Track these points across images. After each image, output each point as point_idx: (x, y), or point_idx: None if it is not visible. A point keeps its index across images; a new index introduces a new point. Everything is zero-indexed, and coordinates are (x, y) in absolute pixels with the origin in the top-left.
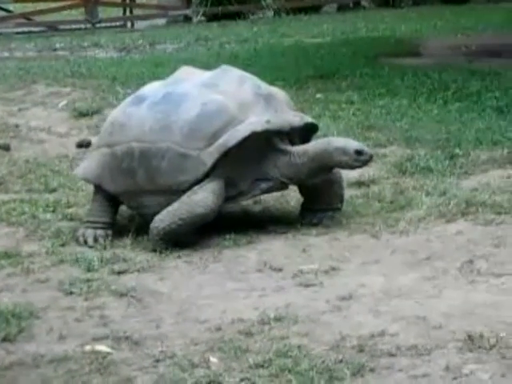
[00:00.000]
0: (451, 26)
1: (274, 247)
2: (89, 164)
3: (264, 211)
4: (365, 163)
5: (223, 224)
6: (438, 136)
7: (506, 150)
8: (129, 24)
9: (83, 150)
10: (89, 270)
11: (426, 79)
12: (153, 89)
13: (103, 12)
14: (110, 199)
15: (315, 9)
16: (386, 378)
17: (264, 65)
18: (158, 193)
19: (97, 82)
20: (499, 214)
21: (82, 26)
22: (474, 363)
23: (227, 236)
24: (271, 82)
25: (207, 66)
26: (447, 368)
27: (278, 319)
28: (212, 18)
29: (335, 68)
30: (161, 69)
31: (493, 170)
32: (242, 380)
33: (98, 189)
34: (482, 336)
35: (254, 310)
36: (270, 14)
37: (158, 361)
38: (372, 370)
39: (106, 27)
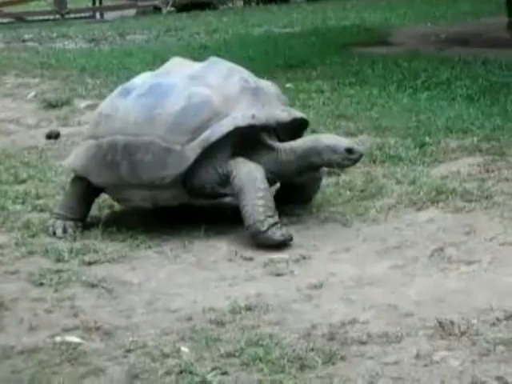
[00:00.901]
0: (421, 14)
1: (245, 237)
2: (76, 155)
3: (234, 201)
4: (355, 162)
5: (194, 214)
6: (408, 124)
7: (475, 138)
8: (98, 15)
9: (52, 141)
10: (59, 261)
11: (395, 68)
12: (141, 80)
13: (72, 3)
14: (88, 192)
15: None
16: (357, 366)
17: (234, 55)
18: (141, 187)
19: (66, 72)
20: (469, 201)
21: (51, 16)
22: (445, 350)
23: (198, 226)
24: None
25: (178, 56)
26: (418, 355)
27: (248, 308)
28: (181, 8)
29: (305, 57)
30: (130, 59)
31: (463, 157)
32: (213, 369)
33: (79, 181)
34: (452, 323)
35: (225, 299)
36: (240, 3)
37: (128, 351)
38: (343, 358)
39: (74, 18)
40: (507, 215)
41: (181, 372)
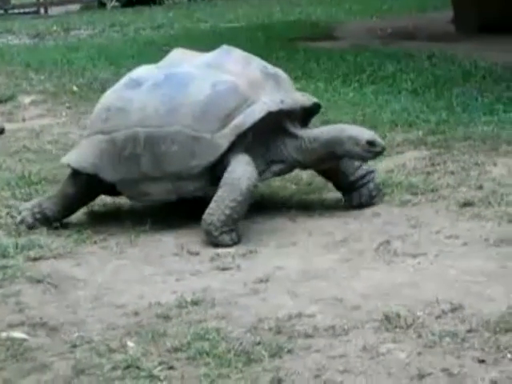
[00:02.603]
0: (366, 9)
1: (191, 231)
2: (82, 152)
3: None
4: (376, 155)
5: (139, 209)
6: (354, 118)
7: (421, 132)
8: (42, 10)
9: None
10: (4, 257)
11: (341, 62)
12: (148, 71)
13: None
14: (86, 193)
15: None
16: (304, 359)
17: None
18: (165, 179)
19: (10, 68)
20: (415, 194)
21: None
22: (391, 342)
23: (144, 221)
24: None
25: (123, 51)
26: (364, 348)
27: (195, 303)
28: (126, 3)
29: (251, 52)
30: (75, 54)
31: (408, 151)
32: (159, 364)
33: (78, 180)
34: (398, 315)
35: (171, 293)
36: None
37: (74, 346)
38: (290, 352)
39: (18, 13)
40: (453, 208)
41: (127, 367)
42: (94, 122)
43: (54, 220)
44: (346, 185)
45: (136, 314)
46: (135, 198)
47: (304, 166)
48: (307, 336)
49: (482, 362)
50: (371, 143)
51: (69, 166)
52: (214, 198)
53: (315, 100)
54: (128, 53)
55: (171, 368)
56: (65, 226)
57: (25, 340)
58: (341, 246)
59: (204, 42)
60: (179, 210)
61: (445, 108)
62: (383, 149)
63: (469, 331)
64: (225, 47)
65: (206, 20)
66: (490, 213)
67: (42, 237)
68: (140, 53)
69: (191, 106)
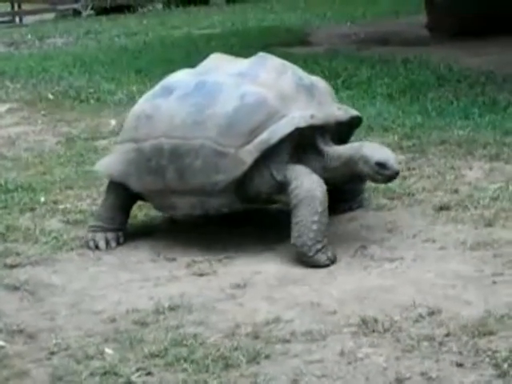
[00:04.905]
0: (340, 15)
1: (168, 237)
2: (113, 160)
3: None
4: (388, 179)
5: None
6: None
7: (396, 136)
8: (17, 19)
9: None
10: None
11: (316, 67)
12: (182, 78)
13: None
14: (126, 199)
15: (204, 1)
16: (282, 364)
17: (154, 57)
18: (189, 193)
19: None
20: (391, 199)
21: None
22: (369, 347)
23: None
24: (162, 74)
25: (98, 59)
26: (342, 352)
27: (172, 308)
28: (101, 11)
29: None
30: (50, 62)
31: None
32: (137, 370)
33: (116, 188)
34: (376, 320)
35: (148, 300)
36: (159, 6)
37: (52, 353)
38: (267, 357)
39: None
40: (429, 212)
41: (105, 373)
42: (125, 129)
43: (119, 229)
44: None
45: (113, 320)
46: (161, 209)
47: (332, 185)
48: (285, 341)
49: (460, 365)
50: (381, 165)
51: (99, 173)
52: (295, 220)
53: (354, 113)
54: (103, 60)
55: (149, 374)
56: (41, 233)
57: (2, 347)
58: None
59: (178, 49)
60: (155, 216)
61: (420, 112)
62: (395, 173)
63: (446, 335)
64: (261, 54)
65: (181, 27)
66: (467, 216)
67: (19, 244)
68: (114, 60)
69: (217, 119)
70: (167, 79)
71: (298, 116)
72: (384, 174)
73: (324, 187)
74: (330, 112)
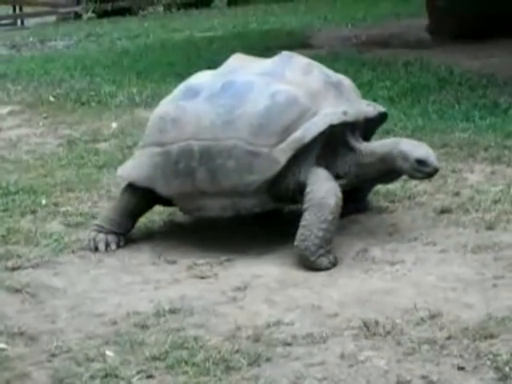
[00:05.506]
0: (341, 17)
1: (169, 240)
2: (136, 165)
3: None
4: (427, 176)
5: None
6: None
7: None
8: (19, 22)
9: None
10: None
11: None
12: (206, 79)
13: None
14: (142, 204)
15: (205, 4)
16: (283, 367)
17: (155, 60)
18: (221, 194)
19: None
20: (392, 202)
21: None
22: (370, 350)
23: None
24: (163, 77)
25: (99, 61)
26: (343, 355)
27: (173, 311)
28: (102, 14)
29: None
30: (51, 65)
31: None
32: (138, 372)
33: (134, 192)
34: (377, 323)
35: (149, 302)
36: (160, 9)
37: (53, 355)
38: (268, 360)
39: None
40: (430, 215)
41: (106, 376)
42: (149, 132)
43: (122, 234)
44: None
45: (114, 322)
46: (190, 212)
47: (365, 181)
48: (286, 344)
49: (461, 369)
50: (421, 162)
51: (124, 179)
52: (303, 223)
53: (381, 109)
54: (104, 63)
55: (150, 377)
56: (42, 236)
57: (3, 349)
58: None
59: (179, 51)
60: (155, 220)
61: (421, 115)
62: (435, 170)
63: (448, 338)
64: (285, 53)
65: (182, 30)
66: (468, 219)
67: (20, 246)
68: (115, 63)
69: (248, 119)
70: (189, 81)
71: (331, 113)
72: (424, 170)
73: (340, 196)
74: (361, 108)
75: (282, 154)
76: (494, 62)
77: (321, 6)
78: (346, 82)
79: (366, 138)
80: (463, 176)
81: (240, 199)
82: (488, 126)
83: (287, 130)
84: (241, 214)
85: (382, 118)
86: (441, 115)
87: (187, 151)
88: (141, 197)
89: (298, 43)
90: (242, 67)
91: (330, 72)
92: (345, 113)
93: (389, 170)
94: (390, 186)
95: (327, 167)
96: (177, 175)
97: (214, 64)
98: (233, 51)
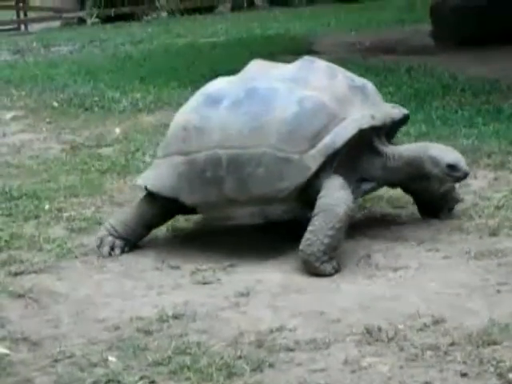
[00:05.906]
0: (345, 23)
1: (172, 245)
2: (159, 175)
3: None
4: (457, 180)
5: None
6: None
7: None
8: (23, 27)
9: None
10: None
11: None
12: (226, 87)
13: None
14: (161, 215)
15: (209, 9)
16: (286, 373)
17: (158, 65)
18: (250, 202)
19: None
20: (396, 207)
21: None
22: (373, 356)
23: None
24: (166, 82)
25: (103, 67)
26: (346, 361)
27: (176, 317)
28: (106, 19)
29: (230, 67)
30: (55, 70)
31: None
32: (141, 378)
33: (154, 202)
34: (380, 329)
35: (152, 307)
36: (164, 14)
37: (56, 361)
38: (271, 365)
39: None
40: (433, 221)
41: (108, 381)
42: (171, 141)
43: (132, 242)
44: (429, 199)
45: (117, 328)
46: (216, 220)
47: (392, 185)
48: (288, 350)
49: (464, 375)
50: (452, 167)
51: (146, 189)
52: (310, 228)
53: (405, 111)
54: (107, 68)
55: (152, 382)
56: (45, 241)
57: (7, 355)
58: None
59: (183, 56)
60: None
61: (425, 121)
62: (466, 174)
63: (451, 344)
64: (306, 58)
65: (185, 35)
66: (471, 225)
67: (23, 251)
68: (119, 68)
69: (276, 126)
70: (206, 88)
71: (360, 117)
72: (454, 175)
73: (351, 206)
74: (387, 111)
75: (312, 160)
76: (497, 68)
77: (325, 12)
78: (369, 85)
79: (389, 139)
80: (466, 182)
81: (269, 206)
82: (491, 132)
83: (317, 136)
84: (269, 220)
85: (405, 119)
86: (444, 121)
87: (214, 160)
88: (160, 206)
89: (302, 49)
90: (262, 74)
91: (354, 76)
92: (373, 117)
93: (418, 174)
94: (394, 192)
95: (352, 172)
96: (203, 184)
97: (217, 69)
98: (237, 56)
